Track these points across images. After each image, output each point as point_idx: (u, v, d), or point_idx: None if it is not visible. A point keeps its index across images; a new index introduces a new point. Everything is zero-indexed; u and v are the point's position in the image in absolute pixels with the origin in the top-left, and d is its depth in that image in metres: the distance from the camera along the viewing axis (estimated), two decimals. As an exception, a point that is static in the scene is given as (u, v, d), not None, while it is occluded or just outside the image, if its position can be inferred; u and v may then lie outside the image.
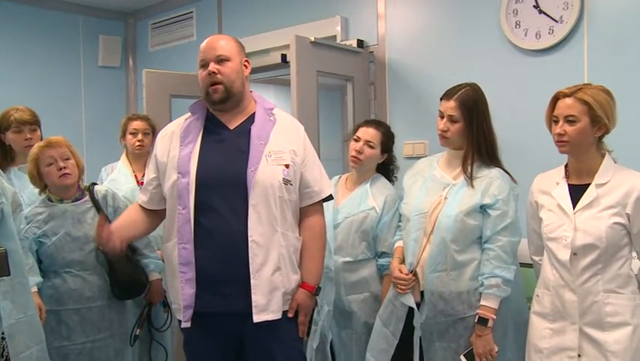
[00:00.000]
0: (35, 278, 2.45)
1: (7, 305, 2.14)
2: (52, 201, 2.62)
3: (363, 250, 2.59)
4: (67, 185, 2.58)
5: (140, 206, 2.28)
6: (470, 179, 2.27)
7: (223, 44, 2.14)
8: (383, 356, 2.39)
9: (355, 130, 2.71)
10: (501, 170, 2.30)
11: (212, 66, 2.10)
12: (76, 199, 2.65)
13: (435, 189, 2.35)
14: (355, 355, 2.59)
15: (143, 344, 2.88)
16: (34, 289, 2.41)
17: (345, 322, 2.62)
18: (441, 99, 2.33)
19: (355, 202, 2.64)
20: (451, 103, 2.28)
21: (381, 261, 2.59)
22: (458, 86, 2.32)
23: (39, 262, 2.57)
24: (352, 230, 2.58)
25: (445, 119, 2.30)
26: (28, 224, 2.54)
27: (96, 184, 2.77)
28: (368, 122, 2.72)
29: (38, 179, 2.58)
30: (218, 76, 2.10)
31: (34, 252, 2.54)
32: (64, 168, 2.54)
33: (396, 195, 2.63)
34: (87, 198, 2.67)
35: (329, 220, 2.56)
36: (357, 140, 2.65)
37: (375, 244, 2.60)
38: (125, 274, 2.62)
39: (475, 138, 2.28)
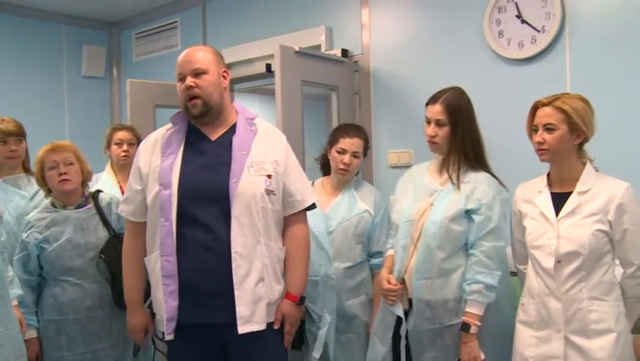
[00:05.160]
0: (16, 291, 2.40)
1: (-12, 319, 2.10)
2: (55, 207, 2.60)
3: (360, 253, 2.62)
4: (67, 190, 2.56)
5: (130, 237, 2.23)
6: (457, 182, 2.25)
7: (200, 57, 2.12)
8: None
9: (335, 139, 2.65)
10: (488, 174, 2.29)
11: (189, 80, 2.09)
12: (80, 206, 2.62)
13: (423, 196, 2.33)
14: (357, 359, 2.59)
15: (147, 354, 2.83)
16: (15, 302, 2.37)
17: (346, 326, 2.61)
18: (426, 105, 2.32)
19: (344, 207, 2.63)
20: (437, 107, 2.27)
21: (374, 260, 2.62)
22: (442, 90, 2.31)
23: (40, 268, 2.55)
24: (349, 234, 2.59)
25: (432, 125, 2.29)
26: (30, 229, 2.53)
27: (101, 192, 2.73)
28: (348, 132, 2.64)
29: (43, 182, 2.58)
30: (196, 90, 2.09)
31: (35, 257, 2.52)
32: (65, 173, 2.53)
33: (382, 195, 2.71)
34: (91, 205, 2.64)
35: (321, 228, 2.56)
36: (342, 152, 2.62)
37: (369, 244, 2.63)
38: None
39: (461, 140, 2.27)
